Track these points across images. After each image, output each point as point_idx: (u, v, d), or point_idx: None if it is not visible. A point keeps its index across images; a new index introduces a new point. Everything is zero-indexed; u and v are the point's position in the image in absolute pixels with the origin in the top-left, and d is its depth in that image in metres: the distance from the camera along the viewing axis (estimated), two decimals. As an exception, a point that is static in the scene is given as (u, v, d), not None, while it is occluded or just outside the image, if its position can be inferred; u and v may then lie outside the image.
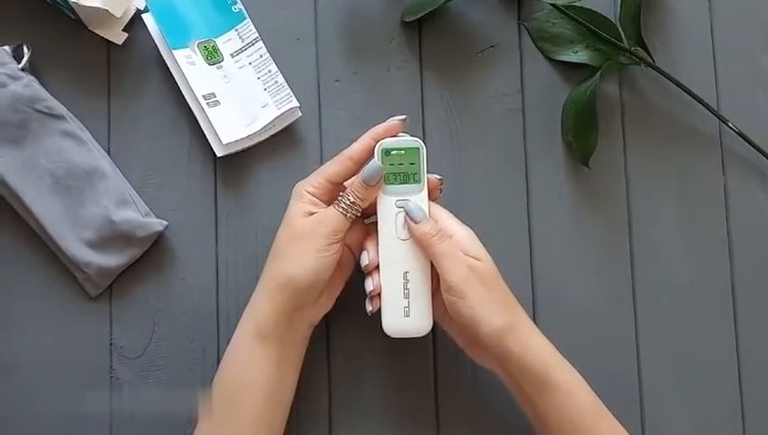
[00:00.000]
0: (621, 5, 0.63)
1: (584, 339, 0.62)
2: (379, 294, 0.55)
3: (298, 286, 0.53)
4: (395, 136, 0.55)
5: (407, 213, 0.54)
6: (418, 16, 0.63)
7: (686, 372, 0.63)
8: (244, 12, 0.63)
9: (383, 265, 0.55)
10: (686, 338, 0.64)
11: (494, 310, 0.52)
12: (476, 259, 0.53)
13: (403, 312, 0.55)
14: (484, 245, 0.54)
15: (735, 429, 0.63)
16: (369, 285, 0.55)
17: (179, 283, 0.61)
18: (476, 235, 0.55)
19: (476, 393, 0.61)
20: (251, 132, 0.61)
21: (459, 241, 0.54)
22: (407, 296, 0.55)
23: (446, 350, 0.56)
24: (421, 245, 0.54)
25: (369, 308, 0.55)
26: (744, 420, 0.63)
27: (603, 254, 0.64)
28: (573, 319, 0.63)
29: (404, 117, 0.55)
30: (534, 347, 0.53)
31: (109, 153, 0.61)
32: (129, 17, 0.62)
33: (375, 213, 0.55)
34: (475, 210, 0.57)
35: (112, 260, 0.59)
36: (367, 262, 0.55)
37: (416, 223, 0.54)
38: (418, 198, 0.54)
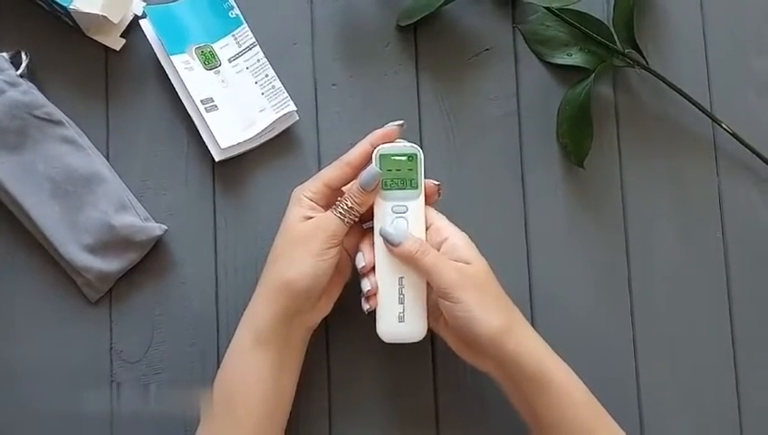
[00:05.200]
0: (614, 8, 0.64)
1: (581, 339, 0.63)
2: (376, 294, 0.55)
3: (296, 290, 0.53)
4: (392, 142, 0.55)
5: (384, 240, 0.54)
6: (414, 21, 0.63)
7: (684, 372, 0.64)
8: (241, 17, 0.63)
9: (379, 270, 0.55)
10: (682, 338, 0.64)
11: (491, 311, 0.53)
12: (466, 262, 0.53)
13: (398, 317, 0.55)
14: (480, 247, 0.55)
15: (733, 430, 0.64)
16: (367, 284, 0.55)
17: (179, 287, 0.61)
18: (473, 237, 0.55)
19: (476, 395, 0.61)
20: (249, 136, 0.61)
21: (452, 245, 0.54)
22: (401, 302, 0.55)
23: (445, 352, 0.56)
24: (408, 264, 0.54)
25: (365, 307, 0.55)
26: (742, 420, 0.64)
27: (599, 254, 0.65)
28: (570, 319, 0.63)
29: (401, 122, 0.56)
30: (531, 347, 0.54)
31: (107, 158, 0.62)
32: (127, 23, 0.62)
33: (372, 218, 0.55)
34: (472, 212, 0.57)
35: (112, 265, 0.59)
36: (363, 263, 0.55)
37: (395, 246, 0.54)
38: (415, 204, 0.55)
